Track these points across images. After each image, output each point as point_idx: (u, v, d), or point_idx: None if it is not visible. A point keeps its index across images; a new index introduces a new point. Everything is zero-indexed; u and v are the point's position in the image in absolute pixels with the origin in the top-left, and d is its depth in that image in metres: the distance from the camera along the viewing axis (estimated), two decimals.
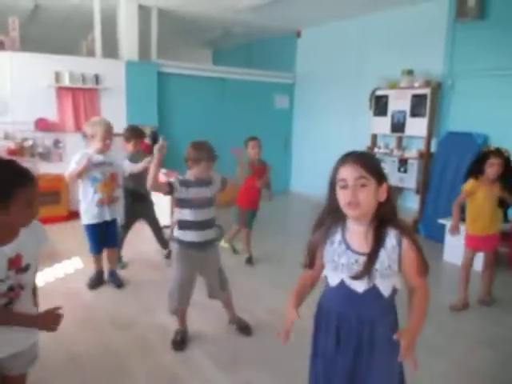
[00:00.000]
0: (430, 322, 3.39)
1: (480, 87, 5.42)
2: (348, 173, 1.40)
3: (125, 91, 6.62)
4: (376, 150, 6.63)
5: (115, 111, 6.51)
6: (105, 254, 3.94)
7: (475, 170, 3.49)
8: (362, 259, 1.46)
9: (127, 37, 6.66)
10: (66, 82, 6.11)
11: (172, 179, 2.80)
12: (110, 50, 6.69)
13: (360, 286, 1.49)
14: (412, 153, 6.06)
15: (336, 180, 1.44)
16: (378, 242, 1.45)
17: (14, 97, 5.80)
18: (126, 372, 2.67)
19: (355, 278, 1.46)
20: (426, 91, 5.77)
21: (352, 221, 1.49)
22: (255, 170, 4.49)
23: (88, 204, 3.63)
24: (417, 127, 5.92)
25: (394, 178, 6.32)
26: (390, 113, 6.28)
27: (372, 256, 1.45)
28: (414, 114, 5.95)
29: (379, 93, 6.45)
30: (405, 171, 6.15)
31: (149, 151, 6.77)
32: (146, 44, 7.04)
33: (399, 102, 6.12)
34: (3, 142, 5.77)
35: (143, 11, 6.74)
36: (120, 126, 6.55)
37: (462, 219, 3.63)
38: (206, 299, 3.63)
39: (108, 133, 3.59)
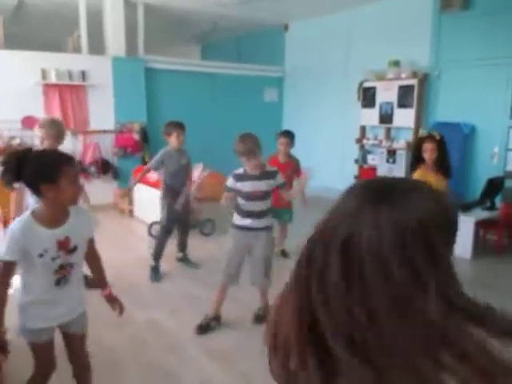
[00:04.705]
0: None
1: (466, 77, 5.47)
2: None
3: (112, 88, 6.58)
4: (365, 141, 6.68)
5: (103, 108, 6.50)
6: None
7: (416, 158, 3.56)
8: None
9: (113, 32, 6.60)
10: (53, 79, 6.06)
11: (228, 183, 3.00)
12: (97, 46, 6.63)
13: None
14: (400, 144, 6.11)
15: None
16: None
17: (0, 95, 5.73)
18: (121, 369, 2.69)
19: None
20: (413, 82, 5.81)
21: None
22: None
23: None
24: (404, 118, 5.97)
25: (382, 168, 6.38)
26: (377, 104, 6.33)
27: None
28: (401, 105, 6.01)
29: (367, 84, 6.48)
30: (393, 162, 6.20)
31: (138, 148, 6.77)
32: (133, 40, 6.98)
33: (387, 94, 6.16)
34: None
35: (129, 6, 6.68)
36: (109, 122, 6.58)
37: None
38: (198, 293, 3.67)
39: (60, 135, 3.28)
